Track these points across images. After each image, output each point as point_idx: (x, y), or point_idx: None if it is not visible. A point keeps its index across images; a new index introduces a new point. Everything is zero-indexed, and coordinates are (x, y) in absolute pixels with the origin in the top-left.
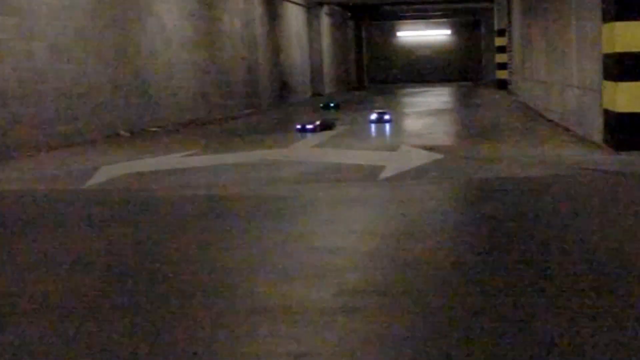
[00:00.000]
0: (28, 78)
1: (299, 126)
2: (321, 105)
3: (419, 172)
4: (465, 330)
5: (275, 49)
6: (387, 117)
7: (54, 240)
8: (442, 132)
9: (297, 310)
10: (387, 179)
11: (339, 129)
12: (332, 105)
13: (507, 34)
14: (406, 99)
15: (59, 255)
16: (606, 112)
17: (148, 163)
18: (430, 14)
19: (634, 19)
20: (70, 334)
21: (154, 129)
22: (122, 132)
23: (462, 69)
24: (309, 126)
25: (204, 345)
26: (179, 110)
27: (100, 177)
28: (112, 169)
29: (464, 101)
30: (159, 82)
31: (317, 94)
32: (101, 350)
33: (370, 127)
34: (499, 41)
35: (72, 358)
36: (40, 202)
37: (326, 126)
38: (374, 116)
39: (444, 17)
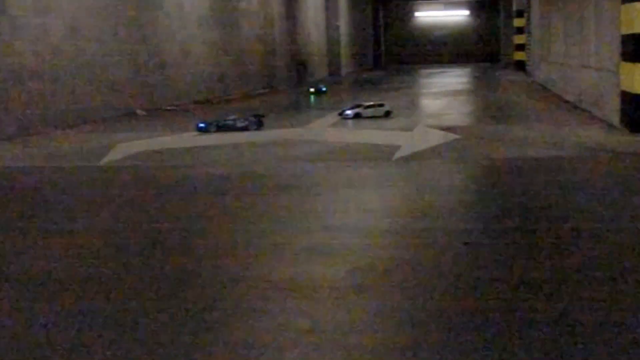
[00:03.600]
0: (44, 55)
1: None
2: (311, 89)
3: (434, 152)
4: (473, 310)
5: (293, 28)
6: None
7: (71, 217)
8: (458, 112)
9: (309, 287)
10: (403, 159)
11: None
12: (323, 89)
13: (525, 15)
14: (423, 80)
15: (75, 231)
16: (623, 94)
17: (164, 141)
18: None
19: None
20: (87, 308)
21: (170, 108)
22: (138, 111)
23: (480, 50)
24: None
25: (216, 319)
26: (195, 89)
27: (116, 155)
28: (128, 146)
29: (481, 82)
30: (175, 60)
31: (334, 74)
32: (117, 324)
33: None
34: (518, 22)
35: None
36: (56, 179)
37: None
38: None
39: None
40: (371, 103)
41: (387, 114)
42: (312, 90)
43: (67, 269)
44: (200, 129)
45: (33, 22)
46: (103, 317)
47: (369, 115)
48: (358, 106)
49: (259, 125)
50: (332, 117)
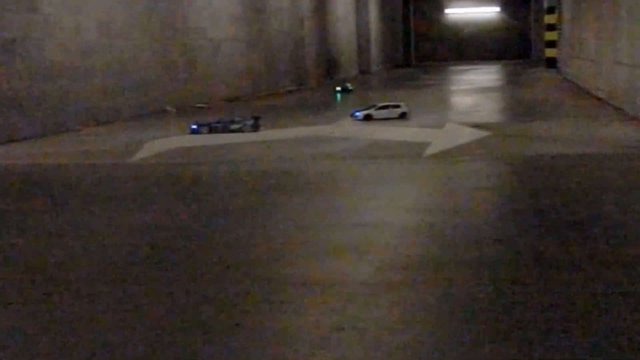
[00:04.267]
0: (76, 53)
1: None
2: (337, 88)
3: (464, 149)
4: (507, 308)
5: (323, 25)
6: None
7: (102, 213)
8: (489, 109)
9: (340, 283)
10: (432, 156)
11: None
12: (349, 88)
13: (556, 11)
14: (453, 77)
15: (107, 227)
16: None
17: (193, 138)
18: None
19: None
20: (112, 300)
21: (200, 105)
22: (168, 108)
23: (511, 46)
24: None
25: (247, 316)
26: (225, 87)
27: (146, 152)
28: (158, 143)
29: (512, 79)
30: (205, 57)
31: (363, 71)
32: (145, 316)
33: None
34: (549, 19)
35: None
36: (87, 176)
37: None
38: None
39: None
40: (385, 104)
41: (403, 116)
42: (338, 88)
43: (98, 266)
44: (192, 131)
45: (65, 19)
46: (134, 312)
47: (381, 117)
48: (372, 107)
49: (255, 127)
50: (362, 113)
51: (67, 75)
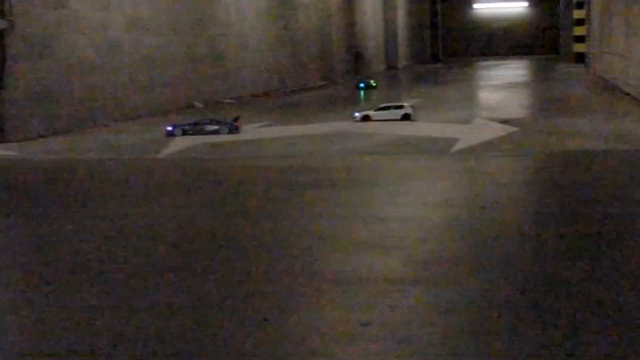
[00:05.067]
0: (104, 49)
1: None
2: (361, 84)
3: (492, 145)
4: (532, 302)
5: (350, 21)
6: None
7: (132, 208)
8: (517, 105)
9: (367, 279)
10: (460, 151)
11: (411, 102)
12: (373, 84)
13: (585, 6)
14: (481, 72)
15: (137, 221)
16: None
17: (221, 134)
18: None
19: None
20: (142, 290)
21: (227, 101)
22: (196, 103)
23: (539, 41)
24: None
25: (275, 310)
26: (252, 82)
27: (175, 147)
28: (187, 139)
29: (540, 74)
30: (233, 53)
31: (391, 67)
32: (169, 315)
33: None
34: (577, 14)
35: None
36: (117, 171)
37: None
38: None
39: None
40: (387, 104)
41: (406, 117)
42: (361, 85)
43: (125, 257)
44: (168, 133)
45: (94, 16)
46: (165, 305)
47: (381, 118)
48: (383, 107)
49: (232, 129)
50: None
51: (95, 71)
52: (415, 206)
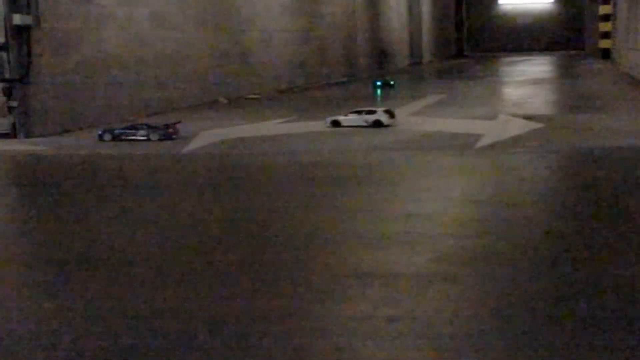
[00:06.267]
0: (129, 44)
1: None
2: (377, 83)
3: (516, 141)
4: (557, 299)
5: (375, 16)
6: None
7: (155, 203)
8: (542, 101)
9: (393, 275)
10: (485, 148)
11: (436, 97)
12: (391, 83)
13: (611, 1)
14: (506, 67)
15: (161, 215)
16: None
17: (245, 129)
18: None
19: None
20: (174, 288)
21: (251, 96)
22: (220, 99)
23: (565, 37)
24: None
25: (302, 305)
26: (276, 78)
27: (198, 143)
28: (210, 134)
29: (565, 70)
30: (257, 49)
31: (415, 63)
32: (203, 301)
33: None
34: (603, 9)
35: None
36: (140, 166)
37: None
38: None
39: None
40: (359, 109)
41: (378, 124)
42: (377, 83)
43: (165, 249)
44: (99, 137)
45: (119, 11)
46: (193, 299)
47: (351, 124)
48: (355, 112)
49: (164, 136)
50: (414, 104)
51: (121, 66)
52: (439, 202)
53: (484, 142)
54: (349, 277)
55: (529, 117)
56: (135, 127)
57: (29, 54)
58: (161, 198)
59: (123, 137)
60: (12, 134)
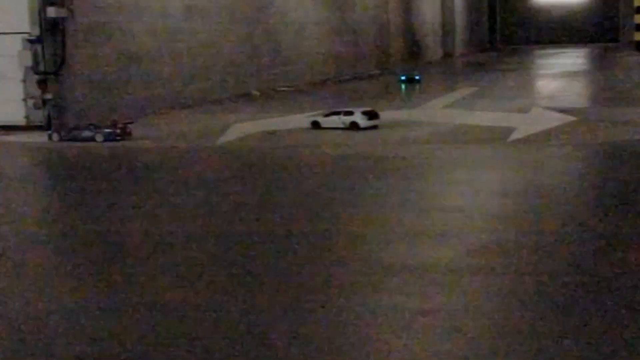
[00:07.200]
0: (163, 37)
1: None
2: (402, 77)
3: (549, 135)
4: (593, 294)
5: (407, 8)
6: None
7: (189, 195)
8: (576, 94)
9: (424, 268)
10: (517, 141)
11: (468, 90)
12: (416, 77)
13: None
14: (539, 60)
15: (194, 207)
16: None
17: (278, 121)
18: None
19: None
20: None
21: (284, 89)
22: (253, 91)
23: (599, 30)
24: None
25: (333, 298)
26: (309, 70)
27: (231, 135)
28: (244, 127)
29: (600, 63)
30: (289, 41)
31: (448, 55)
32: (233, 295)
33: (501, 88)
34: (638, 1)
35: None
36: (174, 159)
37: None
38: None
39: None
40: (338, 109)
41: (354, 126)
42: (402, 78)
43: (195, 243)
44: (48, 137)
45: (152, 3)
46: (225, 294)
47: (329, 125)
48: (333, 113)
49: (110, 136)
50: (446, 97)
51: (153, 59)
52: (472, 195)
53: (516, 135)
54: (382, 270)
55: (562, 110)
56: (81, 127)
57: (63, 47)
58: (190, 192)
59: (70, 137)
60: (46, 127)
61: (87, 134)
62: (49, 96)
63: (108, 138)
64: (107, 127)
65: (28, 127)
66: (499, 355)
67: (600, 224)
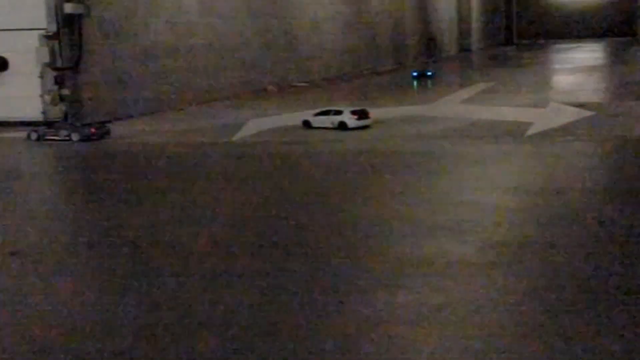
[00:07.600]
0: (179, 32)
1: None
2: (414, 73)
3: (567, 129)
4: (610, 291)
5: (423, 3)
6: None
7: (204, 191)
8: (593, 88)
9: (441, 263)
10: (534, 136)
11: (485, 85)
12: (429, 73)
13: None
14: (556, 55)
15: (209, 204)
16: None
17: (294, 117)
18: None
19: None
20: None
21: (300, 84)
22: (269, 87)
23: (615, 24)
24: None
25: (351, 294)
26: (325, 65)
27: (247, 131)
28: (260, 122)
29: (617, 58)
30: (306, 36)
31: (464, 50)
32: (246, 290)
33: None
34: None
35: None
36: (189, 154)
37: None
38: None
39: None
40: (327, 108)
41: (342, 126)
42: (414, 74)
43: (212, 239)
44: (27, 136)
45: (168, 0)
46: (238, 288)
47: (320, 125)
48: (323, 112)
49: (85, 137)
50: (464, 92)
51: (170, 55)
52: (489, 191)
53: (534, 130)
54: (399, 264)
55: (579, 105)
56: (58, 127)
57: (80, 43)
58: (206, 188)
59: (47, 137)
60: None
61: (64, 133)
62: (66, 92)
63: (84, 138)
64: (82, 128)
65: (46, 123)
66: (515, 350)
67: (618, 218)
